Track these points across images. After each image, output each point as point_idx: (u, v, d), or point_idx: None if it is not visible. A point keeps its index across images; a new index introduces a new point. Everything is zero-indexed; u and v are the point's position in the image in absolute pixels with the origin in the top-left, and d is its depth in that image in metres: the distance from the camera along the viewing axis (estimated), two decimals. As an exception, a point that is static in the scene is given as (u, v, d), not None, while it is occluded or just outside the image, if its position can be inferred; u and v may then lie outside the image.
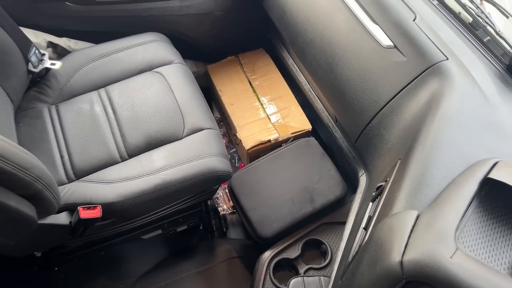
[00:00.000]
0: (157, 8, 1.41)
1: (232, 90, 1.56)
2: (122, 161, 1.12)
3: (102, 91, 1.23)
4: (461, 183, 0.69)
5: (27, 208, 0.77)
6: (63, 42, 1.35)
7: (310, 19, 1.20)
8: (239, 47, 1.64)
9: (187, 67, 1.33)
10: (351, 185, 1.25)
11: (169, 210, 1.19)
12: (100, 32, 1.39)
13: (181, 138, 1.16)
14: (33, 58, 1.15)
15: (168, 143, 1.15)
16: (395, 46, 1.00)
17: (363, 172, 1.10)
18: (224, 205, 1.48)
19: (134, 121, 1.17)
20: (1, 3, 1.08)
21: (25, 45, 1.13)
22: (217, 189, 1.29)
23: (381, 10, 1.07)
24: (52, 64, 1.19)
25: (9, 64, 1.08)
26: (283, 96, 1.52)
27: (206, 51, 1.63)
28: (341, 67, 1.09)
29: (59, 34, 1.35)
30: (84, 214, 0.94)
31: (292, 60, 1.48)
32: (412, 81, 0.94)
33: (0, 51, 1.05)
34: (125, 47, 1.28)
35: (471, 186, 0.66)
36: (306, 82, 1.40)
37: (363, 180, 1.08)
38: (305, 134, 1.45)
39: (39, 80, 1.22)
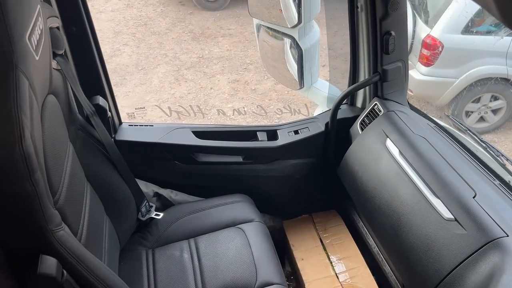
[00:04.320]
0: (246, 169, 1.65)
1: (304, 246, 1.67)
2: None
3: (192, 240, 1.42)
4: None
5: None
6: (166, 193, 1.61)
7: (378, 188, 1.34)
8: (313, 207, 1.80)
9: (264, 226, 1.50)
10: None
11: None
12: (197, 186, 1.64)
13: (255, 290, 1.27)
14: (143, 209, 1.41)
15: (240, 293, 1.26)
16: (455, 219, 1.08)
17: None
18: None
19: (215, 270, 1.32)
20: (125, 159, 1.37)
21: (140, 197, 1.40)
22: None
23: (442, 185, 1.17)
24: (157, 215, 1.43)
25: (125, 213, 1.34)
26: (352, 257, 1.59)
27: (284, 208, 1.81)
28: (405, 234, 1.18)
29: (164, 186, 1.63)
30: None
31: (362, 223, 1.59)
32: (472, 253, 0.99)
33: (121, 201, 1.32)
34: (215, 205, 1.51)
35: None
36: (375, 245, 1.48)
37: None
38: (373, 296, 1.47)
39: (143, 227, 1.46)
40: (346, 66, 1.67)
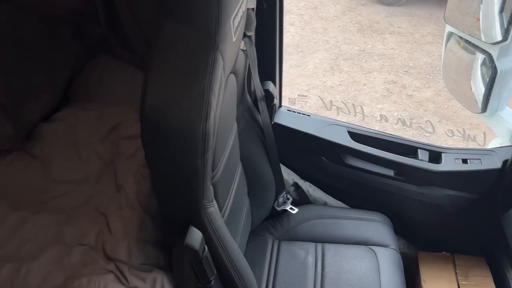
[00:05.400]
0: (394, 186, 1.52)
1: (437, 285, 1.49)
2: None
3: (319, 245, 1.36)
4: None
5: None
6: (305, 186, 1.57)
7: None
8: (458, 246, 1.59)
9: (399, 255, 1.36)
10: None
11: None
12: (336, 187, 1.57)
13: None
14: (281, 199, 1.39)
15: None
16: None
17: None
18: None
19: (336, 284, 1.24)
20: (278, 146, 1.36)
21: (281, 187, 1.38)
22: None
23: None
24: (292, 209, 1.41)
25: (264, 198, 1.35)
26: (494, 320, 1.37)
27: (423, 238, 1.63)
28: None
29: (303, 178, 1.58)
30: None
31: (516, 284, 1.35)
32: None
33: (264, 187, 1.32)
34: (352, 217, 1.42)
35: None
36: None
37: None
38: None
39: (275, 216, 1.46)
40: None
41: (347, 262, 1.31)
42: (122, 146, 1.05)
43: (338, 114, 3.09)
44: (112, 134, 1.07)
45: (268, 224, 1.43)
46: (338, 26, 4.33)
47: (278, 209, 1.41)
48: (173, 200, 0.88)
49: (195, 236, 0.87)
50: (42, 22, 1.14)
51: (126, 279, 0.89)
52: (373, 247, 1.35)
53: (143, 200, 0.97)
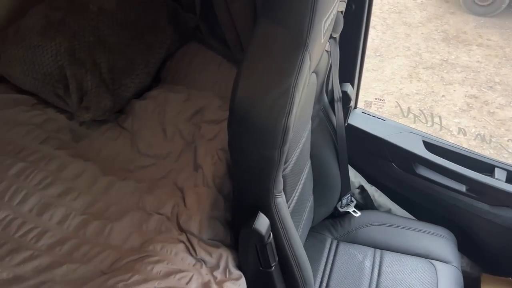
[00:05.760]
0: (464, 202, 1.45)
1: (497, 313, 1.42)
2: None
3: (378, 251, 1.36)
4: None
5: None
6: (371, 190, 1.56)
7: None
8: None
9: (460, 274, 1.32)
10: None
11: None
12: (402, 196, 1.54)
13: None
14: (344, 201, 1.40)
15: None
16: None
17: None
18: None
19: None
20: (348, 147, 1.36)
21: (346, 189, 1.39)
22: None
23: None
24: (354, 211, 1.41)
25: (328, 197, 1.36)
26: None
27: (489, 260, 1.56)
28: None
29: (369, 181, 1.57)
30: None
31: None
32: None
33: (329, 186, 1.34)
34: (415, 229, 1.39)
35: None
36: None
37: None
38: None
39: (336, 216, 1.47)
40: None
41: (405, 272, 1.29)
42: (203, 129, 1.12)
43: (414, 122, 2.99)
44: (196, 117, 1.15)
45: (329, 223, 1.45)
46: (422, 33, 4.16)
47: (341, 210, 1.42)
48: (247, 186, 0.94)
49: (263, 222, 0.92)
50: (145, 8, 1.24)
51: (195, 251, 0.95)
52: (434, 262, 1.32)
53: (218, 181, 1.03)
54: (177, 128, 1.14)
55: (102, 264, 0.93)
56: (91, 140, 1.15)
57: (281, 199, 0.96)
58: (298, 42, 0.80)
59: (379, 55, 3.89)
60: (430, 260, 1.33)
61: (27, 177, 1.03)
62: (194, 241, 0.96)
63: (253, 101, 0.80)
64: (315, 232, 1.42)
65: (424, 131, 1.59)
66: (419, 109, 3.23)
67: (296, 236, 1.03)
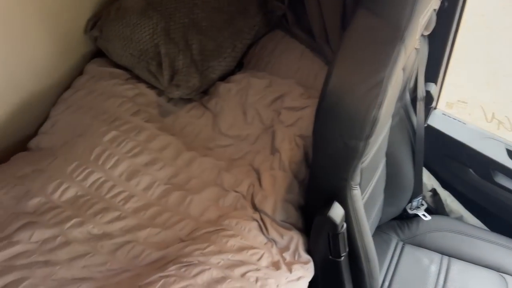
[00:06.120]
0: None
1: None
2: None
3: (445, 258, 1.31)
4: None
5: None
6: (444, 194, 1.49)
7: None
8: None
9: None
10: None
11: None
12: (476, 204, 1.47)
13: None
14: (414, 203, 1.37)
15: None
16: None
17: None
18: None
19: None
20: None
21: (418, 191, 1.35)
22: None
23: None
24: (424, 215, 1.38)
25: (398, 197, 1.34)
26: None
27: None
28: None
29: (443, 185, 1.51)
30: None
31: None
32: None
33: (401, 186, 1.31)
34: (488, 240, 1.32)
35: None
36: None
37: None
38: None
39: (404, 217, 1.44)
40: None
41: (473, 282, 1.24)
42: (283, 115, 1.14)
43: (498, 129, 2.83)
44: (276, 103, 1.17)
45: (395, 224, 1.43)
46: (506, 39, 3.90)
47: (410, 212, 1.39)
48: (325, 174, 0.95)
49: (338, 212, 0.93)
50: (237, -6, 1.28)
51: (267, 231, 0.98)
52: (506, 276, 1.26)
53: (294, 166, 1.05)
54: (257, 112, 1.17)
55: (181, 232, 0.99)
56: (176, 116, 1.21)
57: (357, 192, 0.96)
58: (396, 35, 0.80)
59: (456, 58, 3.69)
60: (502, 273, 1.27)
61: (119, 144, 1.11)
62: (267, 221, 1.00)
63: (346, 90, 0.81)
64: (380, 232, 1.41)
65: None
66: (505, 116, 3.03)
67: (368, 230, 1.02)
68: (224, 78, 1.27)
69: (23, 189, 1.05)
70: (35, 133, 1.25)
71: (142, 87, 1.26)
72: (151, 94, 1.25)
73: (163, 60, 1.17)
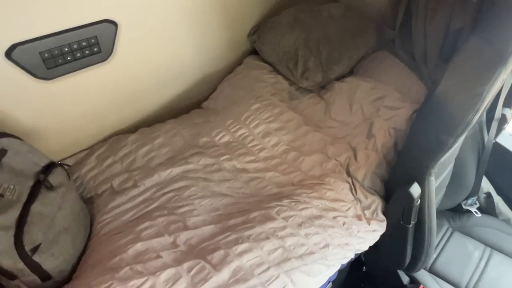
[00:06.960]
0: None
1: None
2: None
3: (488, 249, 1.16)
4: None
5: None
6: (497, 198, 1.29)
7: None
8: None
9: None
10: None
11: None
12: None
13: None
14: (469, 201, 1.22)
15: None
16: None
17: None
18: None
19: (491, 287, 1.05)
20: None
21: (475, 192, 1.21)
22: None
23: None
24: (476, 212, 1.22)
25: (456, 193, 1.20)
26: None
27: None
28: None
29: (499, 193, 1.31)
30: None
31: None
32: None
33: (461, 184, 1.18)
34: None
35: None
36: None
37: None
38: None
39: (457, 210, 1.28)
40: None
41: (509, 274, 1.07)
42: (381, 111, 1.08)
43: None
44: (377, 101, 1.11)
45: (449, 214, 1.29)
46: None
47: (464, 207, 1.24)
48: (413, 160, 0.89)
49: (416, 190, 0.87)
50: (361, 19, 1.23)
51: (356, 191, 0.96)
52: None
53: (385, 150, 1.00)
54: (360, 106, 1.13)
55: (294, 179, 1.00)
56: (300, 101, 1.22)
57: (432, 178, 0.89)
58: (500, 59, 0.71)
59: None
60: (539, 274, 1.08)
61: (260, 113, 1.16)
62: (357, 185, 0.97)
63: (450, 95, 0.74)
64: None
65: None
66: None
67: (434, 209, 0.94)
68: (339, 79, 1.24)
69: (197, 131, 1.15)
70: (206, 98, 1.35)
71: (280, 78, 1.28)
72: (285, 83, 1.26)
73: (299, 60, 1.18)
